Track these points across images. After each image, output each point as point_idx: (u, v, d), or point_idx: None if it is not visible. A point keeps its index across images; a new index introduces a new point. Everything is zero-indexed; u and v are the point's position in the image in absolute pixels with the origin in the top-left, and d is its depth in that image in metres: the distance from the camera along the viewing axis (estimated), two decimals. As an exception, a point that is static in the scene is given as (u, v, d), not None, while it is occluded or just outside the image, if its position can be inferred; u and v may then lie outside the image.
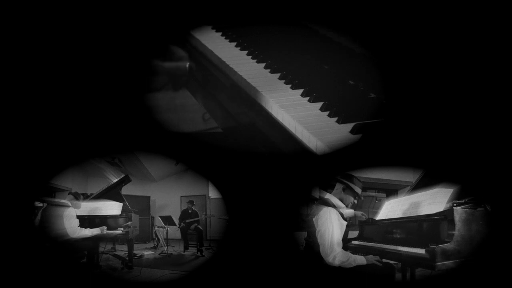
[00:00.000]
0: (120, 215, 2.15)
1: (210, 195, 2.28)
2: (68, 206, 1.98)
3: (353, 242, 1.77)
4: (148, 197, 2.50)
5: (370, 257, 1.49)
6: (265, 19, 1.91)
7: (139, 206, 2.34)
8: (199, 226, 2.36)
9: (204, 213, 2.39)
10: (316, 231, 1.51)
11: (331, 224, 1.50)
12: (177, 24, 2.06)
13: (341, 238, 1.51)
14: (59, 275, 1.80)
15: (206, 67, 1.82)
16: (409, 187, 1.69)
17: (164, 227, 2.41)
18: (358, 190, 1.53)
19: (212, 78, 1.76)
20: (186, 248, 2.35)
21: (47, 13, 2.13)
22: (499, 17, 1.12)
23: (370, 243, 1.67)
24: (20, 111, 2.13)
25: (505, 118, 1.10)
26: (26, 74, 2.16)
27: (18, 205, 1.90)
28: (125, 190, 2.24)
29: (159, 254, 2.32)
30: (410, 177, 1.69)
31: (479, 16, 1.15)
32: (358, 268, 1.44)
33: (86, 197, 2.24)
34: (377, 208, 1.82)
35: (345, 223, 1.54)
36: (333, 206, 1.52)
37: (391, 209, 1.71)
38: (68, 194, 2.03)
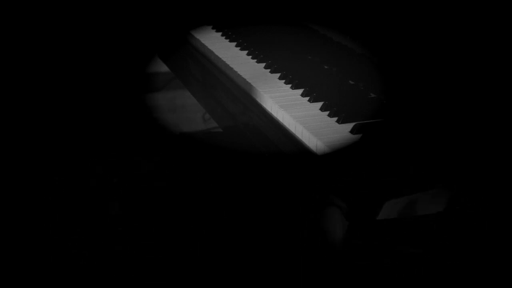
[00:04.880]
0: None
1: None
2: None
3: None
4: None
5: None
6: (265, 19, 1.91)
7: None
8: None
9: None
10: None
11: None
12: (177, 24, 2.06)
13: None
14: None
15: (206, 67, 1.82)
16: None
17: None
18: None
19: (212, 78, 1.76)
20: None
21: (46, 12, 2.13)
22: (500, 17, 1.12)
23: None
24: (20, 111, 2.13)
25: (505, 118, 1.10)
26: (26, 73, 2.16)
27: (17, 205, 1.90)
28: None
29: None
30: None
31: (480, 15, 1.15)
32: None
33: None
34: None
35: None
36: None
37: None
38: None
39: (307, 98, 1.43)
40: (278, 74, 1.60)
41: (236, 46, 1.86)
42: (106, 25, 2.34)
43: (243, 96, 1.57)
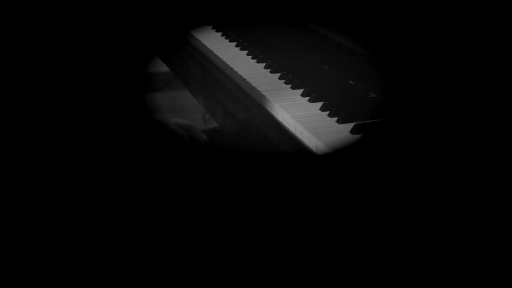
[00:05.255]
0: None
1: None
2: None
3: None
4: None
5: None
6: (265, 19, 1.91)
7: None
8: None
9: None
10: None
11: None
12: (177, 24, 2.06)
13: None
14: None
15: (206, 67, 1.82)
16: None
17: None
18: None
19: (212, 78, 1.76)
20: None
21: (46, 12, 2.13)
22: (500, 17, 1.12)
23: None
24: (20, 111, 2.13)
25: (505, 117, 1.10)
26: (26, 73, 2.16)
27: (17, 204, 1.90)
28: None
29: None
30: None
31: (480, 15, 1.15)
32: None
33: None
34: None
35: None
36: None
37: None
38: None
39: (307, 98, 1.43)
40: (278, 74, 1.60)
41: (236, 46, 1.86)
42: (106, 25, 2.34)
43: (243, 96, 1.57)
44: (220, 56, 1.76)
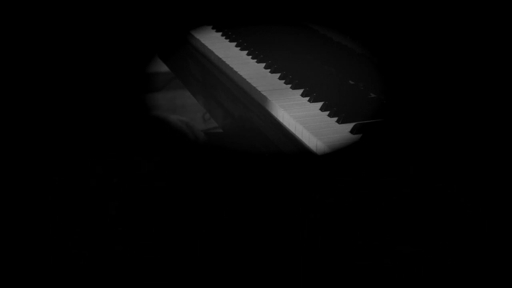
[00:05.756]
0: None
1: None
2: None
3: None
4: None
5: None
6: (265, 19, 1.91)
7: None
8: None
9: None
10: None
11: None
12: (177, 24, 2.06)
13: None
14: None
15: (206, 67, 1.82)
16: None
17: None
18: None
19: (212, 78, 1.76)
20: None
21: (46, 11, 2.13)
22: (500, 17, 1.12)
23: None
24: (20, 111, 2.13)
25: (505, 117, 1.10)
26: (26, 73, 2.16)
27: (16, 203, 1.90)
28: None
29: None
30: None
31: (480, 15, 1.15)
32: None
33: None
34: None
35: None
36: None
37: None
38: None
39: (307, 98, 1.43)
40: (278, 74, 1.60)
41: (236, 46, 1.86)
42: (106, 25, 2.34)
43: (243, 96, 1.57)
44: (220, 56, 1.76)
